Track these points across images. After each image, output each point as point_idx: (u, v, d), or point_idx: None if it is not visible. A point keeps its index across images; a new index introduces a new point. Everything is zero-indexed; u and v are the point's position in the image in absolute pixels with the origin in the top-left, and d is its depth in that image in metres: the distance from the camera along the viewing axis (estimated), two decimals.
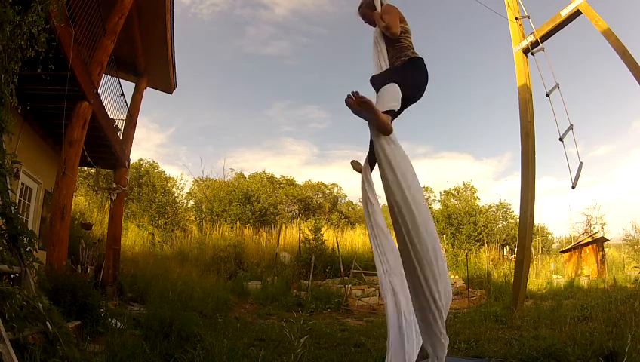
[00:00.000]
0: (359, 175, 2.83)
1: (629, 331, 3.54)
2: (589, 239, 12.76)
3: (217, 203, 16.17)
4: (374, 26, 2.87)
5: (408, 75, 2.58)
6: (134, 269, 8.67)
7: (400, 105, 2.43)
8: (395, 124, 2.46)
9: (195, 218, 15.93)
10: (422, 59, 2.67)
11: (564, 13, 6.01)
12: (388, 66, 2.71)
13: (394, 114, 2.38)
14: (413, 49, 2.70)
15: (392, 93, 2.37)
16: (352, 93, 2.09)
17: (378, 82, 2.57)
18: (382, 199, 2.63)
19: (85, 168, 11.73)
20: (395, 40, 2.71)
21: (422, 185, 2.56)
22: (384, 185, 2.22)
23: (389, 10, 2.76)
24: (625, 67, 5.25)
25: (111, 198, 8.28)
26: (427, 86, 2.65)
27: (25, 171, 6.14)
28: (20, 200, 6.24)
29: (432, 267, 2.07)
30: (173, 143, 33.32)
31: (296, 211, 20.04)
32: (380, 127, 2.20)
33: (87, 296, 4.13)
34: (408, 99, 2.59)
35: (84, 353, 2.81)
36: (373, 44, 2.85)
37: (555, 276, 12.59)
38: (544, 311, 6.37)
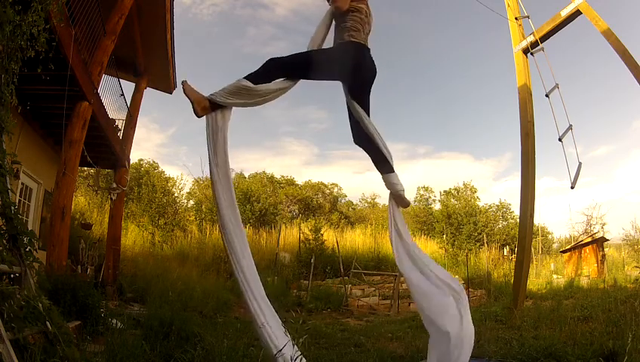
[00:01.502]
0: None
1: (629, 331, 3.54)
2: (589, 239, 12.75)
3: None
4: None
5: (336, 53, 2.70)
6: (134, 269, 8.67)
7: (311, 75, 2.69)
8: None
9: (195, 218, 15.93)
10: (358, 43, 2.65)
11: (564, 13, 6.01)
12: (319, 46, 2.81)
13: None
14: (356, 31, 2.63)
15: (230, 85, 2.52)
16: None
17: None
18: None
19: (85, 168, 11.72)
20: (341, 19, 2.67)
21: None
22: None
23: None
24: (625, 67, 5.25)
25: (111, 198, 8.29)
26: (360, 70, 2.69)
27: (25, 171, 6.14)
28: (20, 200, 6.24)
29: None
30: (174, 143, 33.39)
31: (296, 211, 20.04)
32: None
33: (87, 296, 4.13)
34: (333, 74, 2.74)
35: (84, 353, 2.81)
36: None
37: (555, 276, 12.58)
38: (544, 311, 6.36)
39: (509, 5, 6.97)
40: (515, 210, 18.34)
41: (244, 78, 2.51)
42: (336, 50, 2.69)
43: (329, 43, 2.89)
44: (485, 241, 15.84)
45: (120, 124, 8.43)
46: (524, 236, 6.45)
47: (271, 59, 2.57)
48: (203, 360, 3.09)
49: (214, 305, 6.51)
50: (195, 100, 2.47)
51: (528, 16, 6.73)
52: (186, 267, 9.70)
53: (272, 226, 15.40)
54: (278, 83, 2.59)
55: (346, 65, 2.64)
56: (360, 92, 2.72)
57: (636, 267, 10.01)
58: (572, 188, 5.00)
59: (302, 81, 2.78)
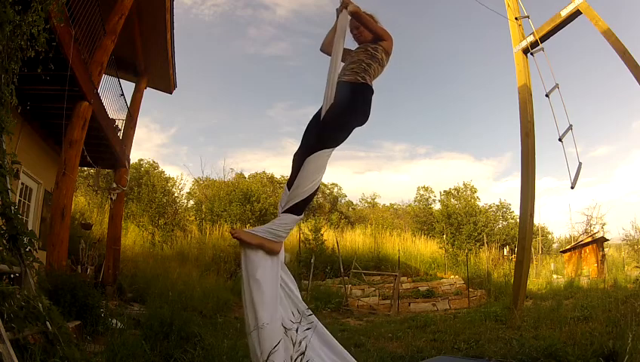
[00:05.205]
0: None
1: (629, 331, 3.54)
2: (589, 239, 12.75)
3: (217, 203, 16.16)
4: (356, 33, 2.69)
5: (345, 95, 2.50)
6: (134, 269, 8.67)
7: (345, 134, 2.51)
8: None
9: (195, 218, 15.92)
10: (371, 90, 2.59)
11: (564, 13, 6.01)
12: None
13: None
14: (369, 79, 2.56)
15: (283, 222, 2.38)
16: (231, 231, 2.41)
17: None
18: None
19: (85, 168, 11.73)
20: (366, 54, 2.55)
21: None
22: None
23: (388, 32, 2.63)
24: (625, 67, 5.25)
25: (111, 198, 8.29)
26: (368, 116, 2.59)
27: (25, 171, 6.14)
28: (20, 200, 6.24)
29: None
30: (174, 143, 33.42)
31: None
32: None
33: (87, 296, 4.13)
34: (353, 124, 2.58)
35: (84, 353, 2.81)
36: (338, 37, 2.59)
37: (555, 276, 12.59)
38: (544, 311, 6.37)
39: (509, 5, 6.97)
40: (515, 210, 18.39)
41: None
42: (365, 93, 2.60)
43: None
44: (485, 241, 15.85)
45: (120, 124, 8.43)
46: (524, 236, 6.45)
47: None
48: (203, 360, 3.09)
49: (214, 305, 6.51)
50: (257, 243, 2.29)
51: (528, 16, 6.73)
52: (186, 267, 9.70)
53: None
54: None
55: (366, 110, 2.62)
56: None
57: (636, 267, 10.02)
58: (572, 188, 5.00)
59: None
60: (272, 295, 2.22)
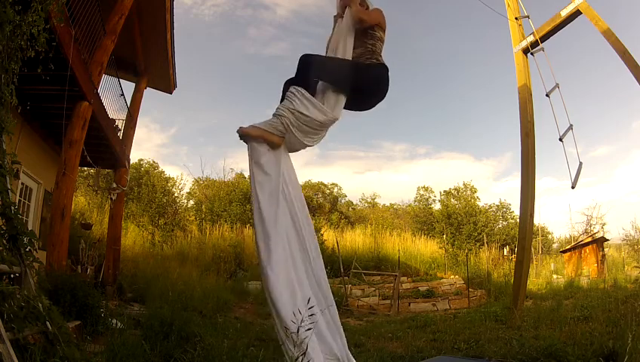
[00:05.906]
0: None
1: (629, 331, 3.54)
2: (589, 239, 12.75)
3: (217, 203, 16.16)
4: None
5: (372, 78, 2.65)
6: (134, 269, 8.67)
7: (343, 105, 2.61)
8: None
9: (195, 218, 15.92)
10: (388, 69, 2.70)
11: (564, 13, 6.01)
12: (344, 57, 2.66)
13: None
14: (381, 57, 2.70)
15: (280, 114, 2.48)
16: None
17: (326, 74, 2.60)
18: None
19: (85, 168, 11.73)
20: (366, 37, 2.68)
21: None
22: None
23: (378, 11, 2.75)
24: (625, 67, 5.25)
25: (111, 198, 8.29)
26: (385, 95, 2.70)
27: (25, 171, 6.14)
28: (20, 200, 6.24)
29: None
30: (174, 143, 33.39)
31: None
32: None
33: (87, 296, 4.13)
34: (362, 102, 2.70)
35: (84, 353, 2.81)
36: (336, 31, 2.77)
37: (555, 276, 12.58)
38: (544, 311, 6.37)
39: (509, 5, 6.97)
40: (515, 210, 18.37)
41: None
42: (380, 73, 2.76)
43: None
44: (485, 241, 15.85)
45: (120, 124, 8.43)
46: (524, 236, 6.45)
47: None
48: (203, 360, 3.09)
49: (214, 305, 6.51)
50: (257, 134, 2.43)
51: (528, 16, 6.73)
52: (186, 267, 9.69)
53: None
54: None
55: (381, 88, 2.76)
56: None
57: (636, 267, 10.02)
58: (573, 188, 5.00)
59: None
60: (275, 184, 2.39)
